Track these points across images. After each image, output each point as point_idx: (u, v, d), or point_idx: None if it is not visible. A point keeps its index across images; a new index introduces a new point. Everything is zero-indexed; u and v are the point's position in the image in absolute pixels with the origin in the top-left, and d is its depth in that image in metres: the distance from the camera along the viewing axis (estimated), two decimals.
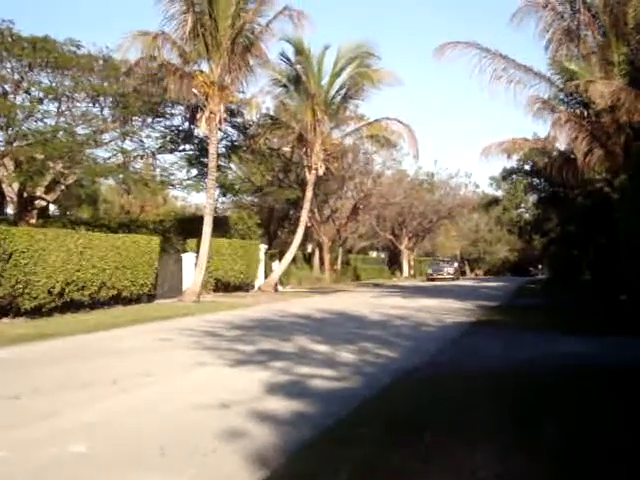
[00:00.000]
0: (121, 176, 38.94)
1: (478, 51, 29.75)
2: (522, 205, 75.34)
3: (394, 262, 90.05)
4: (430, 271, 75.42)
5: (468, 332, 19.61)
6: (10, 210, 39.79)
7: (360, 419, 8.86)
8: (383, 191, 68.88)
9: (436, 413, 9.10)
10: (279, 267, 44.77)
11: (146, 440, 8.05)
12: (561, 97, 32.50)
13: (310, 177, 42.96)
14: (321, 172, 42.77)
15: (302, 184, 47.64)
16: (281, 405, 9.64)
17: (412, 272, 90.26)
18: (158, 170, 42.26)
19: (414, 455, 7.14)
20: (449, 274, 73.83)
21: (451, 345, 16.55)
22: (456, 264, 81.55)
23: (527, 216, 71.23)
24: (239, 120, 42.34)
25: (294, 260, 48.69)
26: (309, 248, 66.39)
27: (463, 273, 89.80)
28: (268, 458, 7.14)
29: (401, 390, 10.73)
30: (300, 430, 8.32)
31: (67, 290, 25.55)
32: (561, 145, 36.87)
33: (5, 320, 23.23)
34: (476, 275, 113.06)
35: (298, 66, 43.13)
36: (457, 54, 29.90)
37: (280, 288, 44.83)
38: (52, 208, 47.11)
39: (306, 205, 43.67)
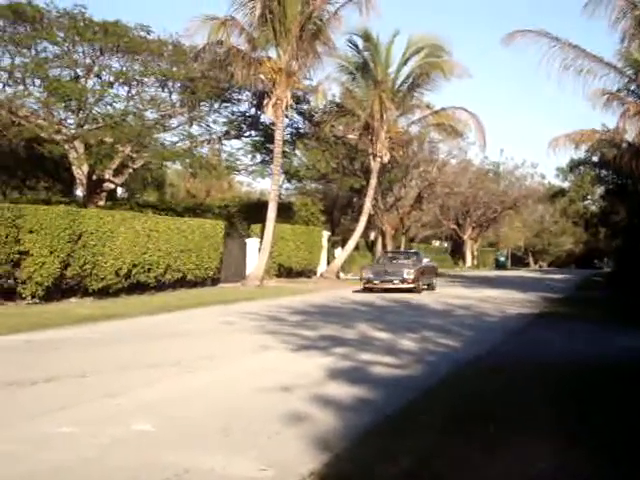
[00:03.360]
0: (188, 160, 39.34)
1: (548, 40, 29.34)
2: (589, 197, 74.29)
3: (457, 252, 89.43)
4: (369, 274, 32.42)
5: (531, 323, 19.45)
6: (79, 192, 40.48)
7: (421, 407, 8.87)
8: (448, 180, 68.32)
9: (498, 403, 9.06)
10: (341, 254, 44.81)
11: (209, 421, 8.17)
12: (632, 88, 31.90)
13: (375, 165, 42.89)
14: (386, 160, 42.69)
15: (366, 172, 47.53)
16: (343, 390, 9.69)
17: (475, 262, 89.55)
18: (224, 155, 42.58)
19: (476, 444, 7.13)
20: (406, 282, 31.40)
21: (514, 336, 16.44)
22: (422, 262, 34.67)
23: (593, 208, 70.20)
24: (305, 107, 42.43)
25: (356, 247, 48.68)
26: (372, 236, 66.24)
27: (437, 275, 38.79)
28: (330, 442, 7.20)
29: (463, 379, 10.70)
30: (361, 416, 8.37)
31: (134, 272, 25.97)
32: (630, 137, 36.17)
33: (73, 300, 23.70)
34: (540, 267, 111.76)
35: (365, 53, 43.04)
36: (526, 43, 29.53)
37: (342, 275, 44.89)
38: (120, 191, 47.85)
39: (370, 193, 43.62)
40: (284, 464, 6.50)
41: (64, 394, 9.64)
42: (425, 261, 34.78)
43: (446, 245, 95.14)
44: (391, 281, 30.95)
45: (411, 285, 30.75)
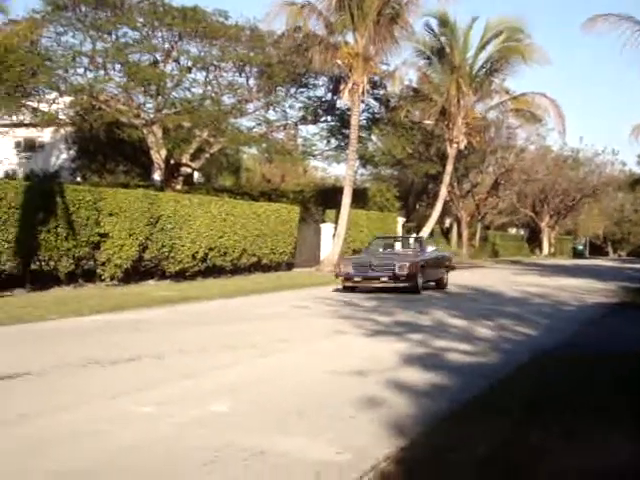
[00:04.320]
0: (264, 145, 39.58)
1: (631, 24, 28.66)
2: None
3: (534, 240, 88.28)
4: (348, 269, 23.80)
5: (610, 313, 19.08)
6: (157, 176, 41.07)
7: (497, 394, 8.78)
8: (525, 167, 67.49)
9: (575, 393, 8.92)
10: None
11: (285, 404, 8.22)
12: None
13: (451, 151, 42.56)
14: (462, 146, 42.33)
15: (442, 158, 47.22)
16: (418, 376, 9.65)
17: (552, 250, 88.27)
18: (300, 140, 42.74)
19: (553, 433, 7.03)
20: (397, 278, 22.91)
21: (592, 326, 16.14)
22: (425, 252, 25.98)
23: None
24: (381, 92, 42.23)
25: (431, 234, 48.36)
26: (447, 222, 65.88)
27: (451, 269, 27.97)
28: (405, 427, 7.17)
29: (540, 368, 10.55)
30: (437, 402, 8.33)
31: (210, 255, 26.28)
32: None
33: (151, 282, 24.09)
34: (619, 256, 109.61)
35: (442, 38, 42.65)
36: (608, 27, 28.90)
37: None
38: (196, 175, 48.38)
39: (446, 179, 43.32)
40: (359, 448, 6.49)
41: (143, 374, 9.82)
42: (429, 250, 26.35)
43: (522, 233, 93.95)
44: (377, 278, 22.96)
45: (405, 283, 22.59)
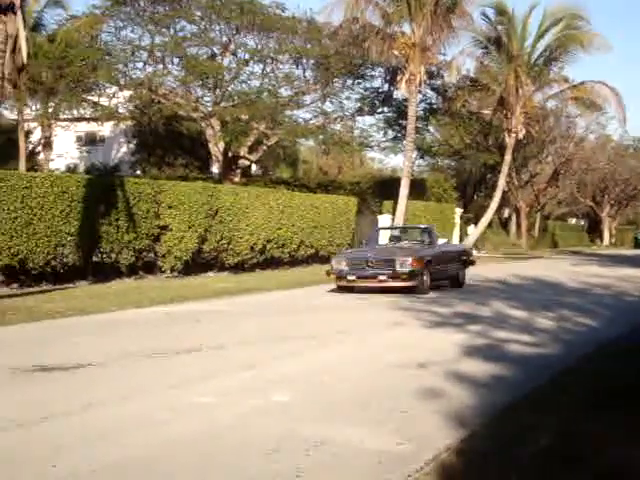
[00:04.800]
0: (321, 137, 39.60)
1: None
2: None
3: (594, 230, 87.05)
4: (342, 265, 20.49)
5: None
6: (215, 169, 41.39)
7: (559, 386, 8.70)
8: (585, 156, 66.50)
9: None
10: (474, 231, 44.27)
11: (345, 394, 8.25)
12: None
13: (509, 140, 42.05)
14: (521, 136, 41.76)
15: (501, 148, 46.76)
16: (478, 368, 9.61)
17: (613, 241, 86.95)
18: (356, 132, 42.66)
19: (618, 426, 6.95)
20: (399, 277, 19.59)
21: None
22: (435, 245, 22.25)
23: None
24: (438, 82, 41.94)
25: (490, 225, 48.02)
26: (506, 213, 65.30)
27: (469, 264, 23.85)
28: (466, 419, 7.15)
29: (602, 359, 10.41)
30: (497, 393, 8.28)
31: (268, 247, 26.43)
32: None
33: (210, 274, 24.32)
34: None
35: (499, 27, 42.15)
36: None
37: (475, 252, 44.32)
38: (254, 167, 48.61)
39: (504, 169, 42.86)
40: (420, 439, 6.49)
41: (204, 365, 9.93)
42: (440, 243, 22.83)
43: (582, 223, 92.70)
44: (375, 276, 19.69)
45: (409, 282, 19.41)
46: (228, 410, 7.46)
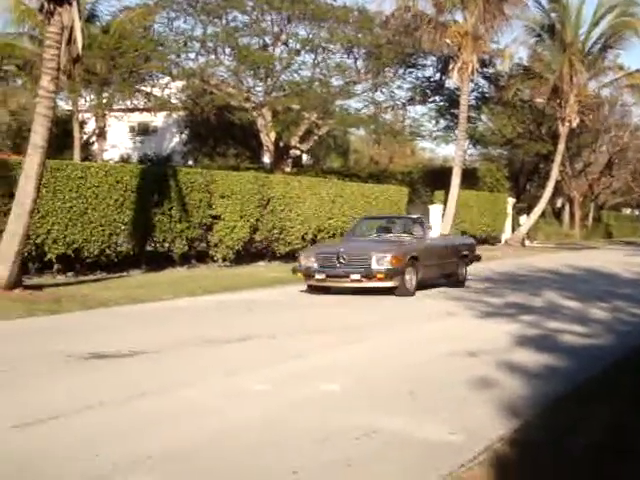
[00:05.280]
0: (372, 127, 39.53)
1: None
2: None
3: None
4: (311, 262, 17.25)
5: None
6: (266, 159, 41.53)
7: (613, 377, 8.62)
8: None
9: None
10: (527, 221, 43.89)
11: (396, 383, 8.25)
12: None
13: (563, 129, 41.57)
14: (575, 124, 41.26)
15: (554, 137, 46.20)
16: (530, 358, 9.54)
17: None
18: (408, 121, 42.54)
19: None
20: (374, 276, 16.56)
21: None
22: (425, 238, 19.01)
23: None
24: (491, 71, 41.60)
25: (542, 215, 47.51)
26: (558, 203, 64.55)
27: (473, 260, 20.81)
28: (518, 409, 7.11)
29: None
30: (550, 384, 8.23)
31: (319, 237, 26.47)
32: None
33: (261, 264, 24.46)
34: None
35: (553, 14, 41.63)
36: None
37: (527, 243, 44.01)
38: (305, 157, 48.66)
39: (557, 158, 42.39)
40: (472, 429, 6.47)
41: (256, 353, 10.02)
42: (433, 236, 20.38)
43: (638, 213, 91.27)
44: (347, 275, 16.67)
45: (387, 282, 16.53)
46: (278, 399, 7.51)
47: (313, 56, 36.83)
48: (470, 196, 38.71)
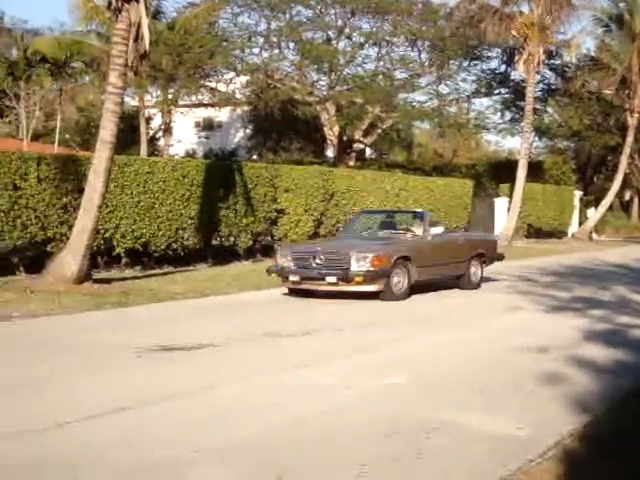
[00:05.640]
0: (436, 120, 39.32)
1: None
2: None
3: None
4: (287, 261, 15.29)
5: None
6: (330, 153, 41.58)
7: None
8: None
9: None
10: (594, 214, 43.23)
11: (461, 378, 8.22)
12: None
13: (632, 121, 40.80)
14: None
15: (622, 128, 45.34)
16: (600, 353, 9.41)
17: None
18: (472, 114, 42.21)
19: None
20: (351, 279, 14.43)
21: None
22: (428, 235, 16.41)
23: None
24: (557, 62, 41.05)
25: (610, 208, 46.72)
26: (627, 195, 63.36)
27: (492, 259, 18.14)
28: (588, 404, 7.02)
29: None
30: (620, 378, 8.11)
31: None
32: None
33: None
34: None
35: (621, 4, 40.89)
36: None
37: (594, 236, 43.35)
38: (368, 151, 48.62)
39: (626, 150, 41.64)
40: (541, 423, 6.41)
41: (320, 347, 10.06)
42: (435, 232, 16.59)
43: None
44: (322, 278, 14.68)
45: (366, 287, 14.54)
46: (344, 392, 7.52)
47: (377, 49, 36.85)
48: (536, 189, 38.24)
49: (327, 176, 24.57)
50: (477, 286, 17.01)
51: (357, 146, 40.08)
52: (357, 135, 38.81)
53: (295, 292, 15.36)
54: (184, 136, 45.36)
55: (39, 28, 44.96)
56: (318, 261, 14.87)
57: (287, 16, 34.77)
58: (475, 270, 17.14)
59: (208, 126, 51.30)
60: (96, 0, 27.98)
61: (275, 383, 7.93)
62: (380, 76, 36.13)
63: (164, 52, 31.46)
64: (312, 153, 45.71)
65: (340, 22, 35.55)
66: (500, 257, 18.73)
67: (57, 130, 39.53)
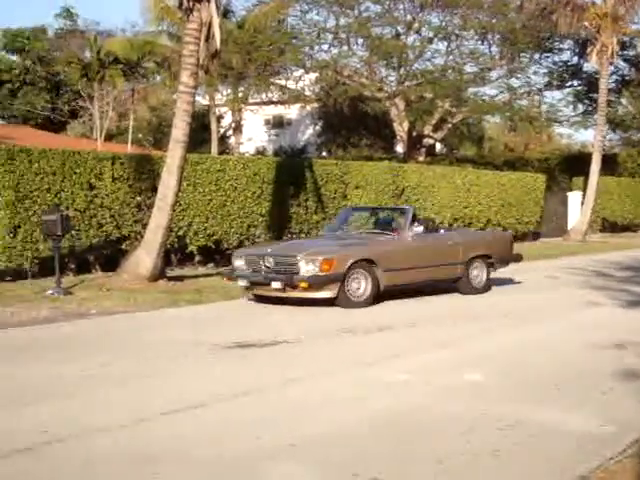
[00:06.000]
0: (507, 113, 38.89)
1: None
2: None
3: None
4: (239, 263, 14.15)
5: None
6: (399, 148, 41.45)
7: None
8: None
9: None
10: None
11: (540, 374, 8.12)
12: None
13: None
14: None
15: None
16: None
17: None
18: (544, 107, 41.61)
19: None
20: (296, 285, 12.96)
21: None
22: (407, 234, 14.50)
23: None
24: (631, 53, 40.22)
25: None
26: None
27: (499, 263, 15.83)
28: None
29: None
30: None
31: (454, 226, 26.22)
32: None
33: None
34: None
35: None
36: None
37: None
38: (438, 146, 48.35)
39: None
40: (620, 421, 6.29)
41: (396, 343, 10.06)
42: (418, 231, 14.63)
43: None
44: (268, 283, 13.38)
45: (312, 293, 13.10)
46: (421, 388, 7.51)
47: (446, 44, 36.55)
48: (610, 182, 37.53)
49: (397, 172, 24.51)
50: (482, 290, 15.22)
51: (427, 141, 39.87)
52: (427, 130, 38.61)
53: (262, 298, 13.92)
54: (254, 134, 45.69)
55: (112, 29, 45.82)
56: (267, 264, 13.55)
57: (356, 12, 34.72)
58: (478, 273, 15.30)
59: (278, 123, 51.57)
60: (167, 1, 28.31)
61: (350, 379, 7.94)
62: (450, 70, 35.88)
63: (234, 51, 31.70)
64: (381, 149, 45.66)
65: (409, 17, 35.39)
66: (517, 258, 16.82)
67: (130, 130, 40.15)
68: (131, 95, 43.52)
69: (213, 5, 15.37)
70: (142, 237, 16.37)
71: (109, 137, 44.17)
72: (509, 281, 16.70)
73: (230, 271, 14.64)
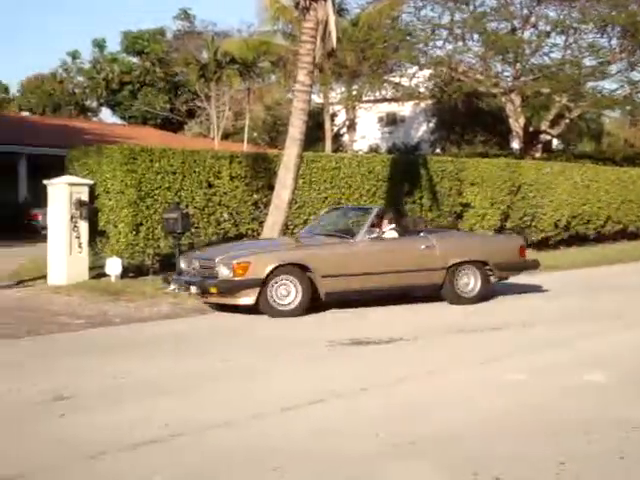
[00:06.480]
0: (627, 108, 37.87)
1: None
2: None
3: None
4: (181, 264, 13.70)
5: None
6: (515, 145, 40.85)
7: None
8: None
9: None
10: None
11: None
12: None
13: None
14: None
15: None
16: None
17: None
18: None
19: None
20: (207, 292, 12.50)
21: None
22: (360, 235, 13.36)
23: None
24: None
25: None
26: None
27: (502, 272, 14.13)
28: None
29: None
30: None
31: (572, 223, 25.75)
32: None
33: None
34: None
35: None
36: None
37: None
38: (555, 142, 47.45)
39: None
40: None
41: (510, 341, 10.03)
42: (390, 231, 13.92)
43: None
44: (188, 287, 13.06)
45: (222, 299, 12.55)
46: (537, 389, 7.44)
47: (564, 37, 35.76)
48: None
49: (513, 169, 24.14)
50: (474, 300, 13.59)
51: (543, 137, 39.12)
52: (543, 126, 37.90)
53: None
54: (367, 132, 45.76)
55: (228, 30, 46.71)
56: (194, 268, 13.04)
57: (471, 7, 34.35)
58: (468, 281, 13.70)
59: (391, 121, 51.56)
60: (283, 0, 28.66)
61: (464, 378, 7.97)
62: (567, 64, 35.12)
63: (348, 49, 31.83)
64: (496, 145, 45.08)
65: (525, 11, 34.79)
66: (530, 265, 15.06)
67: (246, 129, 40.84)
68: (247, 94, 44.26)
69: (329, 3, 15.48)
70: (259, 235, 16.63)
71: (225, 136, 45.05)
72: None
73: (168, 274, 14.50)
